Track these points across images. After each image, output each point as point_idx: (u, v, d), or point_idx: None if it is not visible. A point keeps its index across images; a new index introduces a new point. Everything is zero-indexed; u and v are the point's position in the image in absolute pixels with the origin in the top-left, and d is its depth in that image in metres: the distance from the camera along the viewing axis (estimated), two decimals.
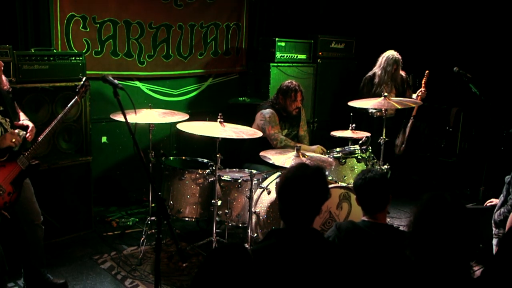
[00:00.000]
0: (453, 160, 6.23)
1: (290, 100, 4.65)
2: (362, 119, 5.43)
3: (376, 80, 5.39)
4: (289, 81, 4.78)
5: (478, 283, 3.05)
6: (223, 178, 4.16)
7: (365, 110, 5.36)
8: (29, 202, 3.40)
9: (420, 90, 5.37)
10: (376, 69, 5.45)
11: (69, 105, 3.48)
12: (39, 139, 3.30)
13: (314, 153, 4.29)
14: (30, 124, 3.32)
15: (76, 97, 3.55)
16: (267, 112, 4.68)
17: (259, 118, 4.70)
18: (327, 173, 4.43)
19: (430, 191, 2.08)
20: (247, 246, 3.85)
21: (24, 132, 3.25)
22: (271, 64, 5.74)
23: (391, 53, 5.40)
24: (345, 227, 2.59)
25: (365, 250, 2.42)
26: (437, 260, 1.93)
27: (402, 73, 5.53)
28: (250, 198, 3.91)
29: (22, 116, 3.45)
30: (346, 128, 4.81)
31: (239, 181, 4.09)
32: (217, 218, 4.05)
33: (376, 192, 2.60)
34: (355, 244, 2.51)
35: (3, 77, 3.27)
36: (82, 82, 3.61)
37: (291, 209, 2.09)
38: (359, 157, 4.44)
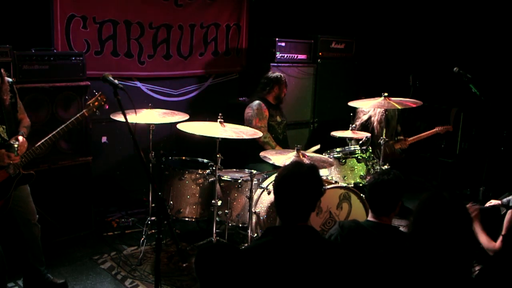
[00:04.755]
0: (453, 160, 6.24)
1: (283, 87, 4.92)
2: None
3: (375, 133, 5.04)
4: (272, 71, 5.11)
5: (479, 282, 3.05)
6: (223, 178, 4.16)
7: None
8: (24, 202, 3.40)
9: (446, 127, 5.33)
10: (371, 117, 5.10)
11: (73, 119, 3.44)
12: (32, 148, 3.29)
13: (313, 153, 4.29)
14: (20, 139, 3.25)
15: (84, 110, 3.50)
16: (255, 104, 4.79)
17: (246, 112, 4.81)
18: (327, 173, 4.44)
19: (427, 191, 2.09)
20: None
21: (17, 143, 3.21)
22: (271, 64, 5.74)
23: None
24: (348, 225, 2.61)
25: (368, 250, 2.43)
26: (437, 259, 1.94)
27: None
28: (250, 198, 3.91)
29: (25, 122, 3.45)
30: (346, 128, 4.81)
31: (239, 181, 4.09)
32: (217, 218, 4.05)
33: (384, 196, 2.60)
34: (358, 243, 2.52)
35: (6, 81, 3.25)
36: (96, 97, 3.51)
37: (287, 206, 2.14)
38: (359, 157, 4.43)
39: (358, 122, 5.20)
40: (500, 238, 3.21)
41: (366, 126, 5.14)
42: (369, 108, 5.06)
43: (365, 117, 5.18)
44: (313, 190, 2.14)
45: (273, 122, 4.90)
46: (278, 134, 4.93)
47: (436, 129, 5.41)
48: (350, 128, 4.72)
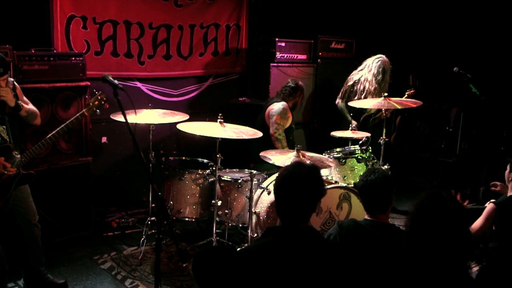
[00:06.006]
0: (453, 160, 6.24)
1: (302, 96, 5.08)
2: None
3: (362, 87, 5.20)
4: (295, 79, 5.16)
5: (478, 281, 3.06)
6: (223, 178, 4.16)
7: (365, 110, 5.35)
8: (25, 202, 3.40)
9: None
10: (366, 75, 5.22)
11: (73, 118, 3.45)
12: (32, 148, 3.31)
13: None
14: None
15: (84, 110, 3.50)
16: (283, 104, 4.87)
17: (271, 107, 4.86)
18: (327, 173, 4.44)
19: (426, 191, 2.09)
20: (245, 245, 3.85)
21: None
22: (271, 64, 5.75)
23: (382, 60, 5.19)
24: (346, 225, 2.63)
25: (367, 248, 2.44)
26: (434, 257, 1.94)
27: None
28: (250, 198, 3.91)
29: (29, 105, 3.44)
30: (346, 128, 4.81)
31: (239, 181, 4.09)
32: (217, 219, 4.06)
33: (376, 195, 2.62)
34: (356, 242, 2.53)
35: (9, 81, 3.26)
36: (96, 97, 3.52)
37: (287, 207, 2.13)
38: (359, 157, 4.44)
39: (347, 85, 5.34)
40: (475, 224, 3.24)
41: (353, 89, 5.26)
42: (363, 69, 5.27)
43: (356, 77, 5.29)
44: (313, 190, 2.13)
45: (293, 124, 5.05)
46: (293, 137, 5.07)
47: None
48: (350, 128, 4.73)
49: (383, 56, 5.25)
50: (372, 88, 5.13)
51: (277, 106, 4.83)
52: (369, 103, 4.71)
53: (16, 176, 3.25)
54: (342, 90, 5.42)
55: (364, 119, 5.27)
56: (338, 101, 5.43)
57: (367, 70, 5.22)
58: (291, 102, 4.98)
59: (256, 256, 2.03)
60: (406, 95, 5.32)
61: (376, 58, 5.23)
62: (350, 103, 4.86)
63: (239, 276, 1.96)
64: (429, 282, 1.95)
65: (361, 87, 5.20)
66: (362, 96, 5.15)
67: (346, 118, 5.33)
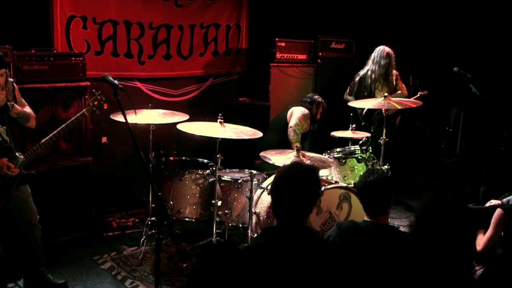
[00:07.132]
0: (453, 160, 6.24)
1: (320, 111, 5.14)
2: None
3: (370, 80, 5.42)
4: (312, 94, 5.33)
5: (481, 283, 3.05)
6: (223, 178, 4.16)
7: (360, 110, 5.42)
8: (25, 202, 3.39)
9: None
10: (371, 67, 5.45)
11: (73, 118, 3.46)
12: (33, 148, 3.30)
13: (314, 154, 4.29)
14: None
15: (84, 110, 3.51)
16: (307, 110, 5.02)
17: (296, 108, 5.03)
18: (327, 173, 4.44)
19: (430, 191, 2.09)
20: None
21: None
22: (271, 64, 5.75)
23: (381, 48, 5.46)
24: (345, 226, 2.62)
25: (366, 249, 2.43)
26: (438, 258, 1.94)
27: (394, 72, 5.57)
28: (250, 198, 3.91)
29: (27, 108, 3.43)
30: (346, 128, 4.82)
31: (239, 181, 4.09)
32: (217, 219, 4.06)
33: (375, 196, 2.61)
34: (356, 243, 2.52)
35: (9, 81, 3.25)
36: (95, 97, 3.53)
37: (284, 207, 2.11)
38: (359, 157, 4.44)
39: (354, 81, 5.56)
40: (486, 234, 3.25)
41: (360, 84, 5.49)
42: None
43: (362, 72, 5.54)
44: (310, 191, 2.11)
45: (309, 134, 5.18)
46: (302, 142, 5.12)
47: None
48: (350, 128, 4.74)
49: (382, 46, 5.48)
50: (380, 76, 5.38)
51: (302, 109, 5.02)
52: (369, 103, 4.71)
53: (17, 176, 3.24)
54: (350, 85, 5.59)
55: (368, 111, 5.41)
56: (346, 96, 5.58)
57: (372, 63, 5.44)
58: (311, 114, 5.10)
59: (252, 256, 2.02)
60: (418, 95, 5.42)
61: (376, 49, 5.48)
62: (350, 103, 4.87)
63: (237, 274, 1.96)
64: (433, 283, 1.94)
65: (369, 80, 5.41)
66: (373, 88, 5.37)
67: (359, 113, 5.48)
